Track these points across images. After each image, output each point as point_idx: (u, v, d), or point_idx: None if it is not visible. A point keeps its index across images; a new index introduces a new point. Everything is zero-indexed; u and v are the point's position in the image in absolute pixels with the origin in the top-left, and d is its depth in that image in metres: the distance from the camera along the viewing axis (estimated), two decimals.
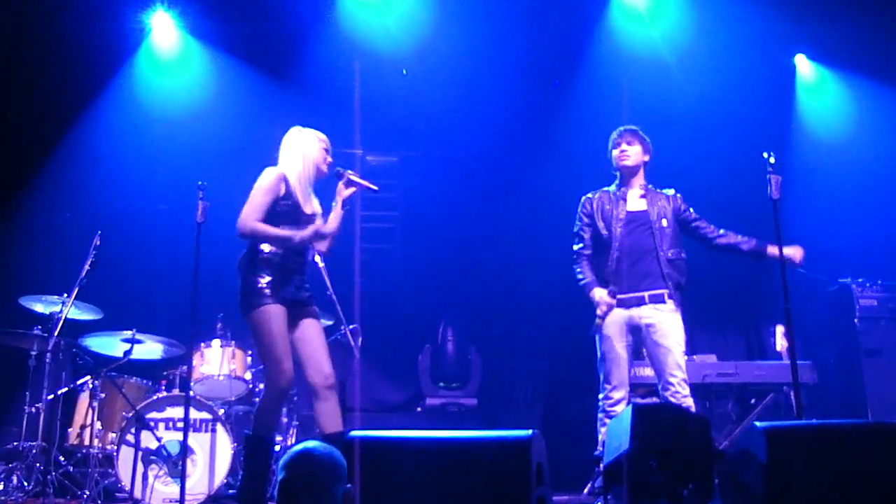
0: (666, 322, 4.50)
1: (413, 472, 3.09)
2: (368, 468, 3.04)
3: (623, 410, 3.91)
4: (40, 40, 6.34)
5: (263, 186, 4.28)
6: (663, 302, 4.53)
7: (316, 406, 4.16)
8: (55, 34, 6.33)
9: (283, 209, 4.28)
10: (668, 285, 4.56)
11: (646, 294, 4.55)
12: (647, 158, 4.83)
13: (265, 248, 4.27)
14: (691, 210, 4.85)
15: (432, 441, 3.23)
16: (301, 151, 4.41)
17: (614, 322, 4.57)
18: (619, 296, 4.57)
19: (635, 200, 4.72)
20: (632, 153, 4.77)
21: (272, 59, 6.76)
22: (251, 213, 4.23)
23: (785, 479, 3.08)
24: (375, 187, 4.56)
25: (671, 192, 4.83)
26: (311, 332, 4.27)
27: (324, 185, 4.56)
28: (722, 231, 4.81)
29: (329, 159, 4.50)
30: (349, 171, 4.50)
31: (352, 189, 4.47)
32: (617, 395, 4.51)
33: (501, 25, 6.61)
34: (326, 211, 4.49)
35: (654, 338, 4.49)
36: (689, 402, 4.43)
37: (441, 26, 6.63)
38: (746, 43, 6.67)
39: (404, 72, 6.81)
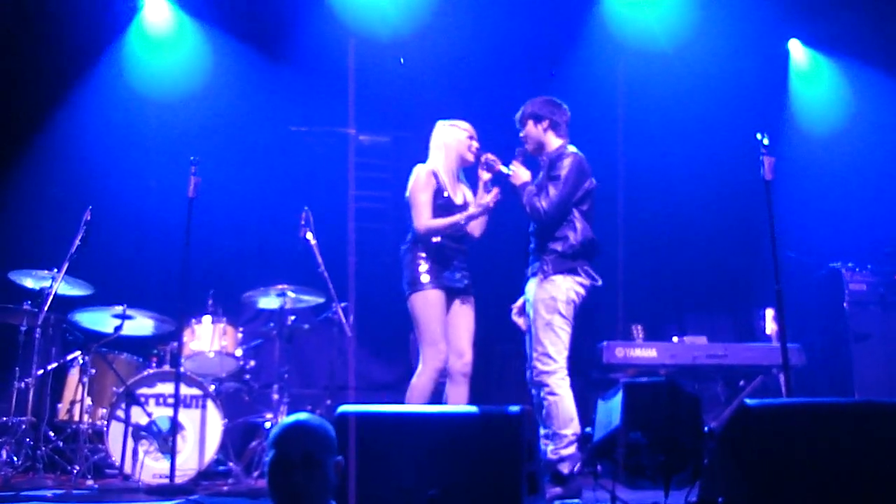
0: (535, 296, 4.38)
1: (404, 446, 3.10)
2: (360, 443, 3.04)
3: (613, 388, 3.93)
4: (30, 15, 6.26)
5: (418, 187, 4.52)
6: (535, 276, 4.41)
7: (448, 389, 4.44)
8: (45, 9, 6.26)
9: (439, 203, 4.49)
10: (538, 258, 4.41)
11: (529, 271, 4.50)
12: (544, 125, 4.53)
13: (424, 237, 4.46)
14: (552, 175, 4.41)
15: (424, 416, 3.24)
16: (444, 144, 4.62)
17: None
18: None
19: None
20: (528, 138, 4.59)
21: (265, 36, 6.70)
22: (421, 216, 4.47)
23: (773, 457, 3.10)
24: (508, 171, 4.56)
25: (570, 151, 4.49)
26: (461, 319, 4.54)
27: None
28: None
29: (475, 146, 4.64)
30: (487, 155, 4.63)
31: (491, 173, 4.64)
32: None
33: (497, 6, 6.57)
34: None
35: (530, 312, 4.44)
36: (547, 380, 4.25)
37: (436, 5, 6.59)
38: (740, 27, 6.65)
39: (401, 60, 6.79)
